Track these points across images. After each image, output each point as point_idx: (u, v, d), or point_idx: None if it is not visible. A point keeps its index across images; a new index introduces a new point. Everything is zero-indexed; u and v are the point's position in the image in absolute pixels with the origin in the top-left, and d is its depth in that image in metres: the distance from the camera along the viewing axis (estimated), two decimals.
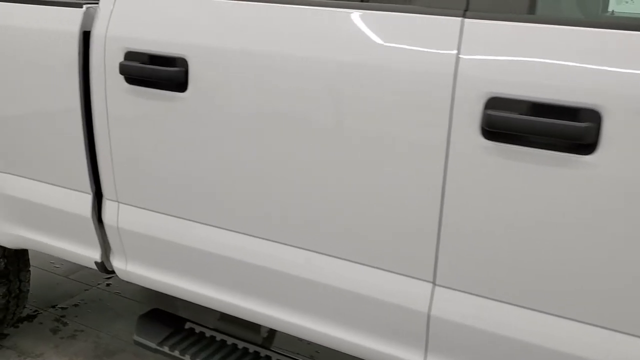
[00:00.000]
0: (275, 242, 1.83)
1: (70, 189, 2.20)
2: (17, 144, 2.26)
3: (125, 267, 2.18)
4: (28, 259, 2.75)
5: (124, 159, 2.03)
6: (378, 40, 1.56)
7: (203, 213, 1.93)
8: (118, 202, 2.10)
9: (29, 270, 2.77)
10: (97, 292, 3.44)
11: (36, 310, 3.21)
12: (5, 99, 2.22)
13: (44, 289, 3.40)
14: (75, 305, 3.29)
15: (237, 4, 1.76)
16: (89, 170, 2.13)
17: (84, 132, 2.07)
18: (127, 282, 2.24)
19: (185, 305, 2.67)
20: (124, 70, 1.91)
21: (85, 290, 3.44)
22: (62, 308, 3.26)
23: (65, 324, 3.11)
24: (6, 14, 2.16)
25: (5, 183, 2.35)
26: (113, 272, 2.26)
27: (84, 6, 2.04)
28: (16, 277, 2.70)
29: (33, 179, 2.28)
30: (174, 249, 2.02)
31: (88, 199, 2.17)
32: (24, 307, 2.90)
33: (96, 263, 2.23)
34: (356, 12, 1.61)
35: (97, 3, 2.03)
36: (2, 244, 2.47)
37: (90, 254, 2.24)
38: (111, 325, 3.11)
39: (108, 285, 3.51)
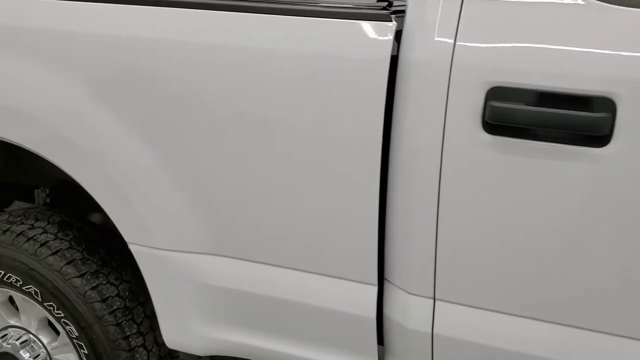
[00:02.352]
0: None
1: (335, 277, 1.54)
2: (240, 213, 1.56)
3: None
4: None
5: (462, 242, 1.40)
6: None
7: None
8: (435, 299, 1.46)
9: None
10: None
11: None
12: (224, 147, 1.53)
13: None
14: None
15: None
16: (376, 251, 1.48)
17: (375, 199, 1.43)
18: None
19: None
20: (493, 114, 1.28)
21: None
22: None
23: None
24: (243, 30, 1.47)
25: (212, 269, 1.63)
26: None
27: (392, 18, 1.38)
28: None
29: (264, 263, 1.59)
30: None
31: (369, 292, 1.51)
32: None
33: None
34: None
35: (391, 11, 1.39)
36: (187, 350, 1.75)
37: None
38: None
39: None
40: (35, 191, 2.40)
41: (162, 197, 1.60)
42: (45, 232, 1.88)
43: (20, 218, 1.94)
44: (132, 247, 1.67)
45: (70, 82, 1.60)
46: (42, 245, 1.83)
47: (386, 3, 1.48)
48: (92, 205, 2.37)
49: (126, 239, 1.67)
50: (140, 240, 1.65)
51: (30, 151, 1.73)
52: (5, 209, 2.57)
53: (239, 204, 1.55)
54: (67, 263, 1.82)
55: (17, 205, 2.61)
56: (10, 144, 1.77)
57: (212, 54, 1.48)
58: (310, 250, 1.52)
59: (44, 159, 1.97)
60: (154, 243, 1.64)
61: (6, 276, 1.86)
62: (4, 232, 1.86)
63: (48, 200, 2.41)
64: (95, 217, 2.39)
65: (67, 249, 1.85)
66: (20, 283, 1.85)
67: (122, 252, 1.98)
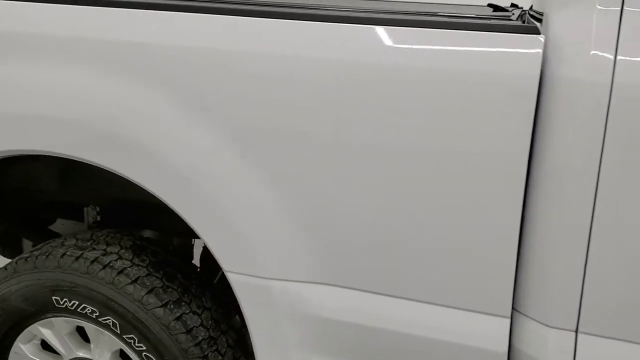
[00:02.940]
0: None
1: (462, 309, 1.43)
2: (358, 240, 1.44)
3: None
4: None
5: (614, 271, 1.30)
6: None
7: None
8: (577, 331, 1.36)
9: None
10: None
11: None
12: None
13: None
14: None
15: None
16: (512, 281, 1.37)
17: (516, 224, 1.33)
18: None
19: None
20: None
21: None
22: None
23: None
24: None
25: (321, 299, 1.51)
26: None
27: (539, 29, 1.28)
28: None
29: (382, 294, 1.47)
30: None
31: (500, 324, 1.40)
32: None
33: None
34: None
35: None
36: None
37: None
38: None
39: None
40: (85, 209, 2.25)
41: (270, 223, 1.47)
42: (121, 257, 1.74)
43: (90, 243, 1.79)
44: (231, 276, 1.54)
45: (173, 103, 1.47)
46: (119, 272, 1.69)
47: (513, 10, 1.38)
48: (144, 223, 2.27)
49: (224, 267, 1.54)
50: (241, 269, 1.52)
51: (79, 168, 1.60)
52: (49, 227, 2.42)
53: (358, 231, 1.43)
54: (148, 292, 1.68)
55: (60, 223, 2.46)
56: (64, 161, 1.64)
57: (337, 74, 1.36)
58: (436, 280, 1.41)
59: (97, 176, 1.85)
60: (257, 272, 1.51)
61: (80, 307, 1.71)
62: (77, 259, 1.72)
63: (98, 219, 2.27)
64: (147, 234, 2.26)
65: (146, 276, 1.72)
66: (97, 314, 1.70)
67: (199, 275, 1.86)
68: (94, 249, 1.76)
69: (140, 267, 1.73)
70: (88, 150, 1.54)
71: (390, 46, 1.34)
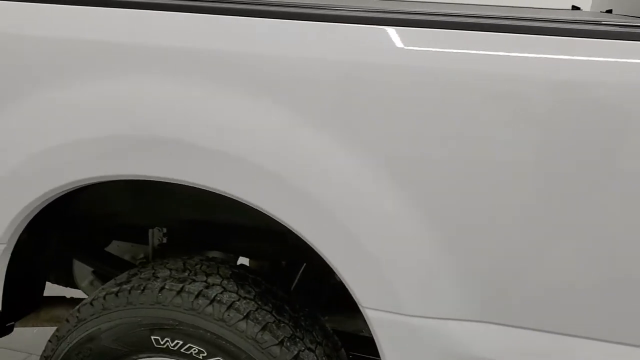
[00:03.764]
0: None
1: None
2: (529, 271, 1.30)
3: None
4: None
5: None
6: None
7: None
8: None
9: None
10: None
11: None
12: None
13: None
14: None
15: None
16: None
17: None
18: None
19: None
20: None
21: None
22: None
23: None
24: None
25: (478, 339, 1.36)
26: None
27: None
28: None
29: (556, 333, 1.33)
30: None
31: None
32: None
33: None
34: None
35: None
36: None
37: None
38: None
39: None
40: (150, 231, 2.07)
41: (417, 258, 1.32)
42: (225, 289, 1.57)
43: (187, 273, 1.62)
44: (369, 313, 1.38)
45: (307, 123, 1.31)
46: (229, 307, 1.52)
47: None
48: (210, 245, 2.10)
49: (362, 303, 1.38)
50: (383, 306, 1.37)
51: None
52: (105, 249, 2.23)
53: (530, 261, 1.29)
54: (262, 328, 1.52)
55: (116, 245, 2.27)
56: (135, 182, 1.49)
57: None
58: (629, 315, 1.27)
59: (168, 196, 1.69)
60: (403, 309, 1.36)
61: (184, 347, 1.54)
62: (178, 293, 1.54)
63: (164, 241, 2.09)
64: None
65: (256, 310, 1.55)
66: (204, 355, 1.53)
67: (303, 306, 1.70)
68: (193, 280, 1.59)
69: (248, 300, 1.56)
70: (232, 184, 1.37)
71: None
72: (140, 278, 1.62)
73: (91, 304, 1.61)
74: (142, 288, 1.56)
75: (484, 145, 1.24)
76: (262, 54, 1.32)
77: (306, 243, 1.38)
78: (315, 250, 1.38)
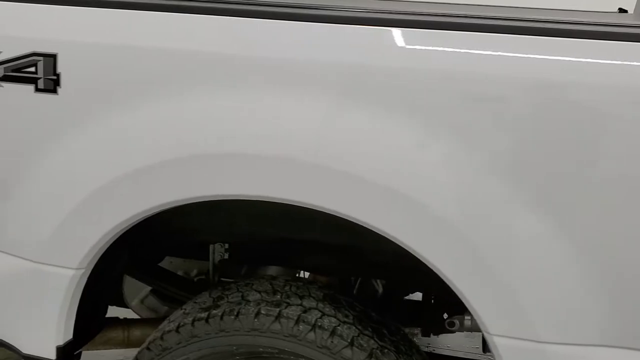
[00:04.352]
0: None
1: None
2: None
3: None
4: None
5: None
6: None
7: None
8: None
9: None
10: None
11: None
12: None
13: None
14: None
15: None
16: None
17: None
18: None
19: None
20: None
21: None
22: None
23: None
24: None
25: None
26: None
27: None
28: None
29: None
30: None
31: None
32: None
33: None
34: None
35: None
36: None
37: None
38: None
39: None
40: (211, 246, 1.96)
41: (563, 283, 1.24)
42: (324, 314, 1.47)
43: (280, 296, 1.51)
44: (497, 340, 1.29)
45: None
46: (332, 333, 1.42)
47: None
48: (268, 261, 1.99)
49: (490, 330, 1.29)
50: (514, 333, 1.28)
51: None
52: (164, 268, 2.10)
53: None
54: (368, 356, 1.42)
55: (169, 261, 2.14)
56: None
57: None
58: None
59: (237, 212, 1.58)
60: (537, 336, 1.27)
61: None
62: (276, 318, 1.43)
63: (226, 257, 1.98)
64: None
65: (358, 335, 1.45)
66: None
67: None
68: (288, 304, 1.48)
69: (349, 325, 1.46)
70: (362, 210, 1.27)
71: None
72: (229, 302, 1.50)
73: (177, 331, 1.49)
74: (235, 313, 1.45)
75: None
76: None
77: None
78: (444, 278, 1.28)
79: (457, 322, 1.83)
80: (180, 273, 2.17)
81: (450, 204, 1.23)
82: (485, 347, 1.93)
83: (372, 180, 1.24)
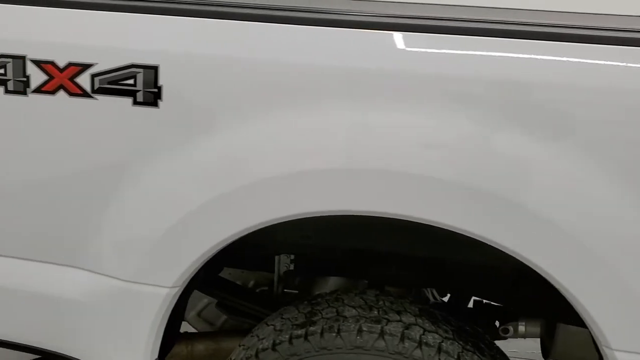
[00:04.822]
0: None
1: None
2: None
3: None
4: None
5: None
6: None
7: None
8: None
9: None
10: None
11: None
12: None
13: None
14: None
15: None
16: None
17: None
18: None
19: None
20: None
21: None
22: None
23: None
24: None
25: None
26: None
27: None
28: None
29: None
30: None
31: None
32: None
33: None
34: None
35: None
36: None
37: None
38: None
39: None
40: (277, 257, 1.92)
41: None
42: (425, 329, 1.43)
43: (377, 312, 1.47)
44: (620, 355, 1.28)
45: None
46: (438, 350, 1.39)
47: None
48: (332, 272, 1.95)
49: (612, 345, 1.27)
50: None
51: None
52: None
53: None
54: None
55: (227, 272, 2.10)
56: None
57: None
58: None
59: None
60: None
61: None
62: (380, 335, 1.40)
63: (291, 267, 1.94)
64: None
65: (462, 351, 1.42)
66: None
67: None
68: (388, 320, 1.44)
69: (451, 341, 1.43)
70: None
71: None
72: (325, 318, 1.46)
73: (273, 349, 1.45)
74: (336, 330, 1.41)
75: None
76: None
77: None
78: (566, 295, 1.26)
79: (511, 329, 1.82)
80: (238, 284, 2.12)
81: (579, 221, 1.21)
82: (546, 352, 1.91)
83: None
